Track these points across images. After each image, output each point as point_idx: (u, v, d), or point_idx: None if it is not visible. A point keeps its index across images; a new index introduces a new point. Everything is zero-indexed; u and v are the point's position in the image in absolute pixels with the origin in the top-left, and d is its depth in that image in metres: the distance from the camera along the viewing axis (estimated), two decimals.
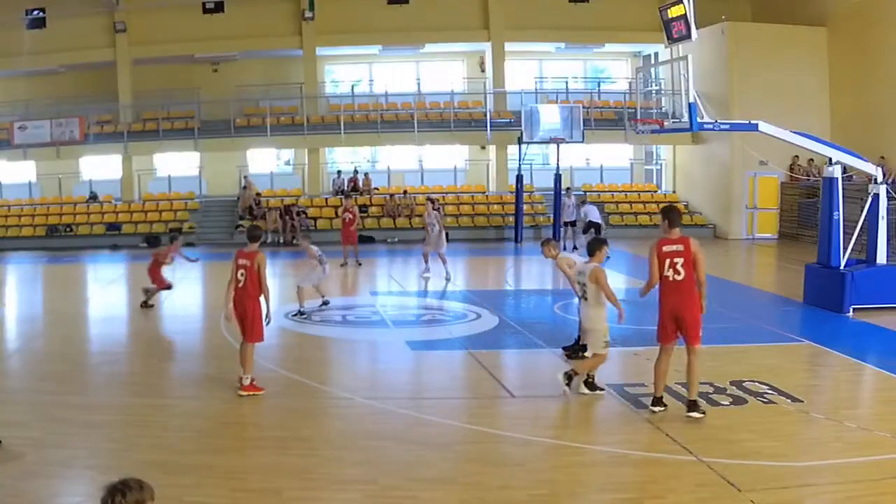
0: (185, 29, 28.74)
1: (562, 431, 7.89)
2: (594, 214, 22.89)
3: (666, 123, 15.89)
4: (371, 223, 27.43)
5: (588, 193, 27.59)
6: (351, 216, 20.60)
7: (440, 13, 29.03)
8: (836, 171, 13.75)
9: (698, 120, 13.66)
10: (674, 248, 8.00)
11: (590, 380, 9.10)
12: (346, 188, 28.57)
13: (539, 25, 29.18)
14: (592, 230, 21.85)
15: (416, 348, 11.65)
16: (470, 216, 28.16)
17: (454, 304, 15.27)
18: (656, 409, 8.28)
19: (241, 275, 9.14)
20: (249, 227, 10.18)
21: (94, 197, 28.81)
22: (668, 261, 7.97)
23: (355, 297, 17.05)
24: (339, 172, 29.29)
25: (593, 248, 9.00)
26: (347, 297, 16.88)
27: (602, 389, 9.07)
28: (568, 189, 25.08)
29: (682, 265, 7.95)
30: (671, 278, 7.99)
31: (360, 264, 20.38)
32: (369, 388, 9.78)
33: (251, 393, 9.12)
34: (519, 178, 26.08)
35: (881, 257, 13.91)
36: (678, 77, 14.42)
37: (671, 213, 8.27)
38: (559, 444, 7.50)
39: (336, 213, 27.47)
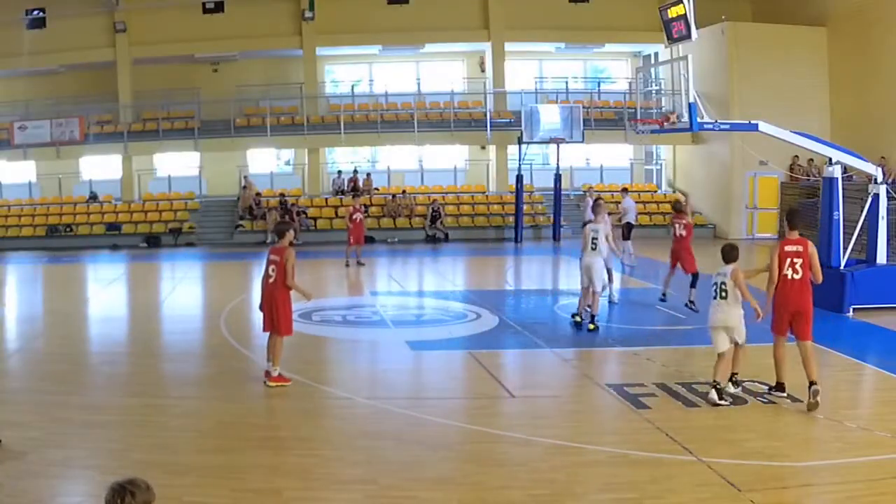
0: (185, 29, 28.72)
1: (562, 431, 7.88)
2: (631, 214, 20.44)
3: (666, 123, 15.89)
4: (371, 223, 27.40)
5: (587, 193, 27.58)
6: (361, 216, 20.49)
7: (440, 13, 29.01)
8: (836, 171, 13.75)
9: (698, 120, 13.66)
10: (794, 248, 8.56)
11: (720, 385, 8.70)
12: (346, 188, 28.56)
13: (539, 25, 29.16)
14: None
15: (416, 348, 11.64)
16: (470, 216, 28.16)
17: (454, 304, 15.26)
18: (780, 394, 8.67)
19: (272, 270, 9.47)
20: (276, 224, 10.59)
21: (94, 197, 28.80)
22: (788, 260, 8.53)
23: (355, 297, 17.04)
24: (339, 172, 29.28)
25: (730, 255, 8.79)
26: (347, 297, 16.89)
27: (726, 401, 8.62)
28: (590, 189, 24.77)
29: (801, 265, 8.51)
30: (790, 277, 8.52)
31: (362, 264, 20.29)
32: (369, 388, 9.78)
33: (279, 384, 9.42)
34: (519, 178, 26.08)
35: (881, 257, 13.91)
36: (678, 77, 14.42)
37: (792, 215, 8.92)
38: (559, 444, 7.49)
39: (336, 213, 27.50)
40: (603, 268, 12.74)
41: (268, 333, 9.67)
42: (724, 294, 8.61)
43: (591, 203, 23.10)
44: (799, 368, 10.45)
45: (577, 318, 12.58)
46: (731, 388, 8.85)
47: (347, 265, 20.06)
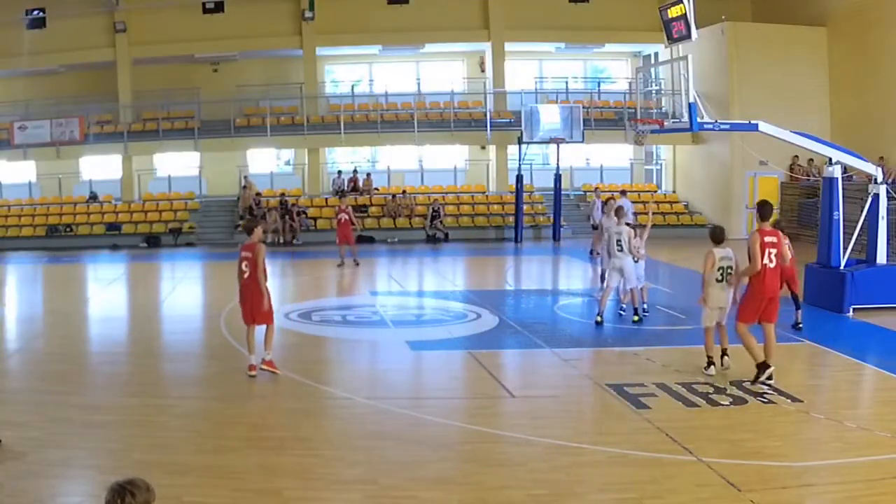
0: (185, 29, 28.70)
1: (562, 431, 7.88)
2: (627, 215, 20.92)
3: (666, 123, 15.89)
4: (371, 223, 27.42)
5: (587, 193, 27.61)
6: (346, 217, 20.36)
7: (440, 13, 29.00)
8: (836, 171, 13.74)
9: (698, 120, 13.65)
10: (771, 238, 9.30)
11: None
12: (345, 188, 28.55)
13: (539, 25, 29.14)
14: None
15: (416, 348, 11.64)
16: (470, 216, 28.14)
17: (454, 304, 15.26)
18: (766, 373, 9.20)
19: (245, 266, 9.84)
20: (246, 221, 10.96)
21: (94, 197, 28.79)
22: (767, 251, 9.22)
23: (355, 297, 17.04)
24: (339, 172, 29.27)
25: (724, 236, 9.89)
26: (347, 297, 16.89)
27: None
28: (597, 189, 24.68)
29: (776, 254, 9.26)
30: (769, 266, 9.23)
31: (357, 264, 20.22)
32: (369, 388, 9.78)
33: (271, 370, 9.77)
34: (519, 178, 26.07)
35: (881, 257, 13.89)
36: (678, 77, 14.42)
37: (763, 207, 9.54)
38: (559, 444, 7.49)
39: (336, 214, 27.47)
40: (633, 266, 13.01)
41: (247, 327, 10.03)
42: (728, 279, 9.56)
43: (598, 203, 23.06)
44: (800, 368, 10.51)
45: (636, 318, 12.95)
46: (727, 359, 9.76)
47: (340, 265, 20.01)
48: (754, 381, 9.18)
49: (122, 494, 3.56)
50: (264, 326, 10.00)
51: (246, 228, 10.33)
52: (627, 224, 13.39)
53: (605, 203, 16.28)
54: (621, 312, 13.46)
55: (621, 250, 12.77)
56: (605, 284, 13.64)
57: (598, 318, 12.73)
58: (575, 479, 6.74)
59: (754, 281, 9.26)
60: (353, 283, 18.76)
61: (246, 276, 9.83)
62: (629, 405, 8.61)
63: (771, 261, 9.23)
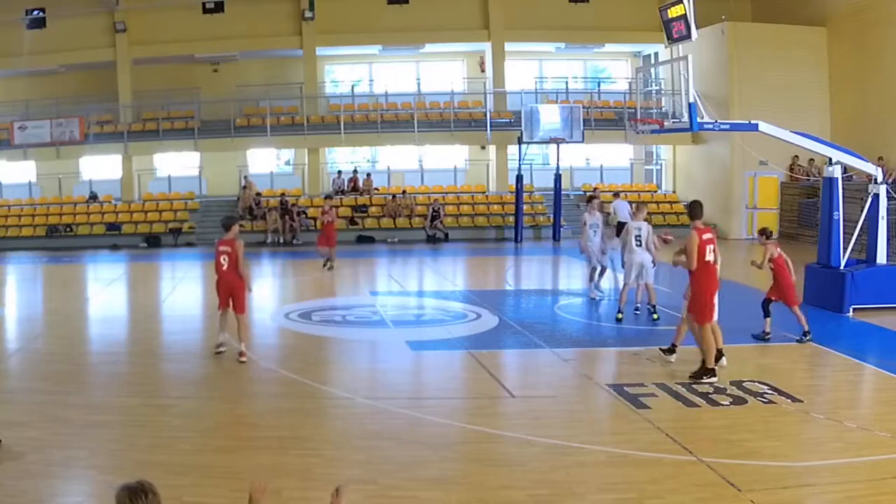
0: (185, 29, 28.73)
1: (562, 431, 7.88)
2: (623, 212, 19.97)
3: (666, 123, 15.88)
4: (371, 223, 27.43)
5: (587, 193, 27.58)
6: (330, 219, 19.75)
7: (440, 13, 29.03)
8: (836, 171, 13.74)
9: (698, 120, 13.65)
10: (709, 236, 9.43)
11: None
12: (345, 188, 28.56)
13: (539, 25, 29.16)
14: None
15: (416, 348, 11.64)
16: (470, 216, 28.16)
17: (454, 304, 15.26)
18: (713, 378, 9.30)
19: (224, 259, 10.66)
20: (224, 218, 11.44)
21: (94, 197, 28.80)
22: (708, 247, 9.33)
23: (355, 297, 17.04)
24: (339, 172, 29.28)
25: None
26: (347, 297, 16.89)
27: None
28: (596, 189, 24.67)
29: (713, 250, 9.38)
30: (712, 262, 9.38)
31: (326, 268, 19.53)
32: (369, 388, 9.78)
33: (243, 359, 10.52)
34: (519, 178, 26.09)
35: (881, 257, 13.90)
36: (678, 77, 14.41)
37: (695, 206, 9.58)
38: (559, 444, 7.49)
39: (336, 214, 27.44)
40: (651, 262, 13.10)
41: (220, 311, 10.93)
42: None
43: (598, 203, 22.91)
44: (800, 368, 10.51)
45: (620, 315, 13.04)
46: (723, 359, 9.81)
47: (331, 266, 19.67)
48: (695, 378, 9.37)
49: (144, 493, 3.55)
50: (237, 319, 10.78)
51: (224, 225, 10.96)
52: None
53: (588, 201, 16.44)
54: (636, 312, 13.50)
55: (640, 245, 12.88)
56: (621, 283, 13.72)
57: (619, 315, 12.98)
58: (575, 479, 6.74)
59: (700, 279, 9.33)
60: (354, 283, 18.74)
61: (224, 267, 10.63)
62: (629, 405, 8.61)
63: (713, 257, 9.38)
